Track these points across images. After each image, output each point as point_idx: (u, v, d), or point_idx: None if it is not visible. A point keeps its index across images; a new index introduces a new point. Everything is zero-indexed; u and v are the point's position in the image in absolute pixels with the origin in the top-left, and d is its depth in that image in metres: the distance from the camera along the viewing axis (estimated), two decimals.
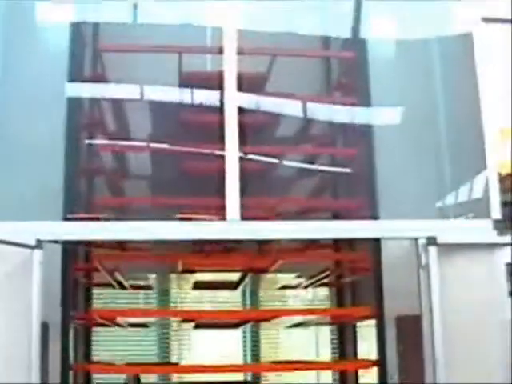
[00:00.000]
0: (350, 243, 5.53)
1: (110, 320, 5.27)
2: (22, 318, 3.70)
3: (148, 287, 8.07)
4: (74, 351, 5.05)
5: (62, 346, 4.20)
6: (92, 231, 3.86)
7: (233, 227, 3.81)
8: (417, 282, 3.96)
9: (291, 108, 5.10)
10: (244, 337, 10.37)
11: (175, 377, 9.50)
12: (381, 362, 4.38)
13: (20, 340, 3.69)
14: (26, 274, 3.71)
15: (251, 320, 5.85)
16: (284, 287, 6.98)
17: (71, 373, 4.47)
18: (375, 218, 4.28)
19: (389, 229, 4.01)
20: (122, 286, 5.84)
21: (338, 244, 5.67)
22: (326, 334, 8.72)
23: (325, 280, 6.01)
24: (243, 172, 3.98)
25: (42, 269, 3.73)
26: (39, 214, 3.95)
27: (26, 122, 4.43)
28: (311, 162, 5.34)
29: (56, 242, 3.90)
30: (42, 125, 4.41)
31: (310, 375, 10.33)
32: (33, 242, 3.71)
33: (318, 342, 10.53)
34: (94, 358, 6.01)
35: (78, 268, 5.00)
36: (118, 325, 5.68)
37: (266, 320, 5.52)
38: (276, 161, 5.12)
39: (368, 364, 4.66)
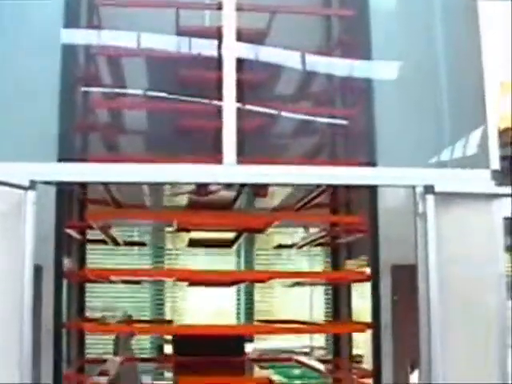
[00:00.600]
0: (347, 204, 5.52)
1: (103, 277, 5.26)
2: (14, 259, 3.67)
3: (142, 244, 8.11)
4: (68, 304, 5.05)
5: (54, 290, 4.19)
6: (86, 173, 3.82)
7: (229, 171, 3.77)
8: (413, 232, 3.93)
9: (290, 62, 5.06)
10: (238, 294, 10.46)
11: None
12: (375, 313, 4.37)
13: (13, 283, 3.66)
14: (19, 216, 3.68)
15: (246, 281, 5.84)
16: (279, 246, 7.00)
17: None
18: (373, 165, 4.24)
19: (386, 176, 3.97)
20: (116, 243, 5.83)
21: (335, 205, 5.68)
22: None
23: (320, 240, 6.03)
24: (240, 129, 3.94)
25: (35, 210, 3.69)
26: (33, 155, 3.91)
27: (22, 66, 4.36)
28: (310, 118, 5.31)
29: (50, 183, 3.86)
30: (38, 69, 4.35)
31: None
32: (26, 183, 3.67)
33: (312, 296, 10.64)
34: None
35: (72, 225, 4.95)
36: (112, 281, 5.67)
37: (261, 281, 5.51)
38: (274, 113, 5.08)
39: (362, 326, 4.64)
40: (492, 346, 4.02)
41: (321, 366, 5.98)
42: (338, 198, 5.69)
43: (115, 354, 7.21)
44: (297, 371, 8.20)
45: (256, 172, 3.81)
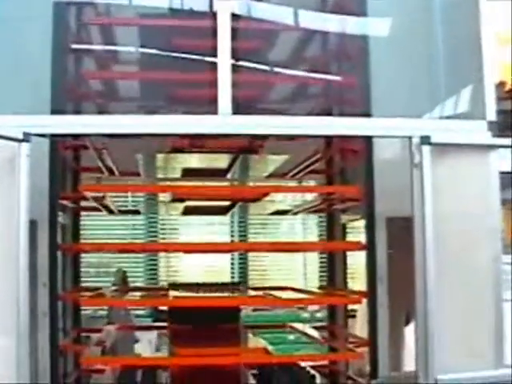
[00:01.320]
0: (342, 172, 5.50)
1: (99, 202, 5.22)
2: (9, 214, 3.65)
3: (136, 212, 8.10)
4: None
5: (49, 245, 4.18)
6: (80, 125, 3.78)
7: (224, 121, 3.74)
8: (409, 185, 3.92)
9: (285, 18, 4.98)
10: (231, 226, 10.48)
11: (163, 266, 9.62)
12: (370, 265, 4.38)
13: (7, 238, 3.64)
14: (13, 170, 3.66)
15: (240, 198, 5.78)
16: (275, 213, 6.96)
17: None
18: (368, 116, 4.22)
19: (382, 127, 3.94)
20: (110, 211, 5.80)
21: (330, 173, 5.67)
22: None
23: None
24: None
25: (29, 163, 3.66)
26: (27, 108, 3.87)
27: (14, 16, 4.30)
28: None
29: (43, 135, 3.83)
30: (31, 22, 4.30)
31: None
32: (20, 136, 3.63)
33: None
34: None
35: (65, 197, 4.92)
36: (108, 210, 5.63)
37: (257, 199, 5.46)
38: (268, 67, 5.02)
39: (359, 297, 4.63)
40: (487, 298, 4.03)
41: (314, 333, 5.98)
42: (334, 164, 5.66)
43: (109, 321, 7.25)
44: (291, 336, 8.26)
45: (251, 122, 3.78)
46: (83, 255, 6.00)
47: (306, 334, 5.94)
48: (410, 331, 4.94)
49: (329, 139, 5.11)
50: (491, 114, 4.02)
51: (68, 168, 5.21)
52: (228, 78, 3.77)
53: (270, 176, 6.89)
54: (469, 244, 4.03)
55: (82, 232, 5.83)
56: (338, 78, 5.07)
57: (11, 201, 3.62)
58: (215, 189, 5.00)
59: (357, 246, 4.62)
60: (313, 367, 5.44)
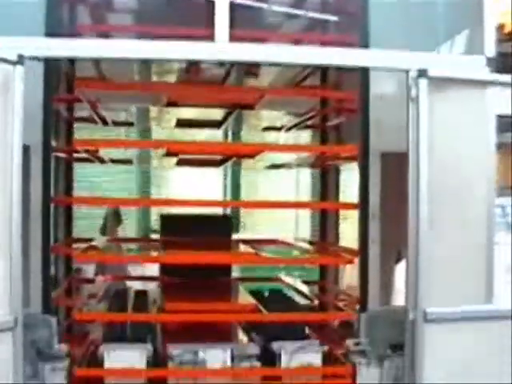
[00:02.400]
0: (338, 84, 5.43)
1: (92, 153, 5.19)
2: (2, 136, 3.62)
3: (130, 124, 8.05)
4: (55, 184, 5.01)
5: (42, 169, 4.16)
6: (75, 48, 3.73)
7: (221, 48, 3.69)
8: (405, 120, 3.90)
9: None
10: (225, 179, 10.47)
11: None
12: (363, 201, 4.38)
13: (1, 161, 3.62)
14: (7, 93, 3.62)
15: (234, 154, 5.75)
16: (268, 128, 6.89)
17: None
18: (366, 47, 4.17)
19: (379, 58, 3.90)
20: (104, 122, 5.74)
21: (325, 84, 5.60)
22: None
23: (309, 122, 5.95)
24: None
25: (23, 86, 3.62)
26: (21, 30, 3.81)
27: None
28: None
29: (38, 58, 3.78)
30: None
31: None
32: (14, 58, 3.58)
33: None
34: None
35: (60, 99, 4.86)
36: (101, 160, 5.61)
37: (250, 156, 5.43)
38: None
39: (350, 205, 4.62)
40: (478, 236, 4.06)
41: (305, 289, 5.98)
42: (329, 79, 5.61)
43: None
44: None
45: (248, 50, 3.74)
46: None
47: (296, 246, 5.93)
48: (400, 269, 4.98)
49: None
50: (490, 50, 3.99)
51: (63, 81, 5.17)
52: (226, 5, 3.72)
53: (266, 129, 6.90)
54: (464, 180, 4.03)
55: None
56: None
57: (5, 123, 3.59)
58: (209, 146, 4.95)
59: (351, 151, 4.61)
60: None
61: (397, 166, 4.17)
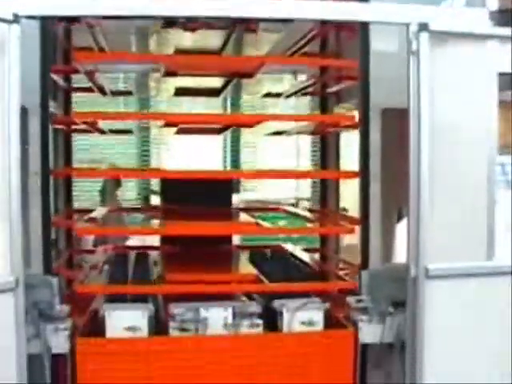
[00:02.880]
0: (337, 52, 5.39)
1: (91, 124, 5.17)
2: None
3: (128, 93, 8.00)
4: (54, 154, 4.99)
5: (41, 133, 4.13)
6: (71, 6, 3.67)
7: (220, 4, 3.63)
8: (405, 76, 3.86)
9: None
10: (224, 146, 10.46)
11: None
12: (364, 159, 4.35)
13: None
14: (3, 54, 3.57)
15: (234, 124, 5.73)
16: (267, 95, 6.85)
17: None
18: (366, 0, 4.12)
19: (380, 12, 3.85)
20: (102, 91, 5.71)
21: (324, 51, 5.55)
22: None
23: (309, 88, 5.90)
24: None
25: (20, 47, 3.57)
26: None
27: None
28: None
29: (34, 17, 3.73)
30: None
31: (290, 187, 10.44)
32: (10, 17, 3.54)
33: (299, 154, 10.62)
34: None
35: (57, 70, 4.81)
36: (99, 131, 5.58)
37: (250, 126, 5.41)
38: None
39: (351, 174, 4.59)
40: (480, 194, 4.04)
41: (308, 214, 5.98)
42: (328, 46, 5.55)
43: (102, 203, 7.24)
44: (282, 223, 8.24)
45: (248, 5, 3.69)
46: (76, 148, 5.94)
47: (298, 215, 5.92)
48: (401, 227, 4.97)
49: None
50: (492, 4, 3.94)
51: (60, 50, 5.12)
52: None
53: (266, 96, 6.82)
54: (465, 137, 4.00)
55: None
56: None
57: (2, 86, 3.56)
58: (208, 117, 4.91)
59: (350, 121, 4.57)
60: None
61: (398, 122, 4.15)
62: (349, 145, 5.73)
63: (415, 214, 3.85)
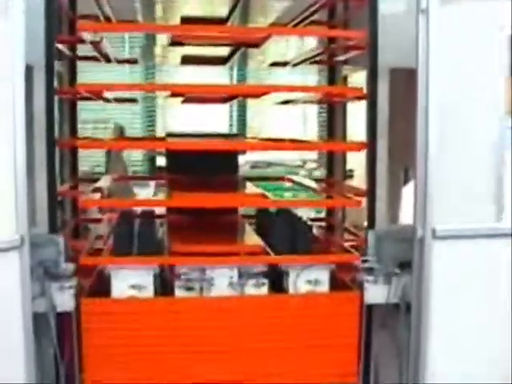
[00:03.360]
0: (346, 20, 5.34)
1: (96, 94, 5.12)
2: (3, 57, 3.54)
3: (134, 61, 7.96)
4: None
5: (46, 92, 4.10)
6: None
7: None
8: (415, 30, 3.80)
9: None
10: (231, 115, 10.44)
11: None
12: (371, 119, 4.31)
13: (2, 83, 3.56)
14: (8, 12, 3.53)
15: (241, 95, 5.69)
16: (274, 64, 6.83)
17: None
18: None
19: None
20: (108, 59, 5.67)
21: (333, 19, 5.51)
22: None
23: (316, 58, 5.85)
24: None
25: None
26: None
27: None
28: None
29: None
30: None
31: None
32: None
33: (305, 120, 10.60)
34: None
35: (62, 40, 4.77)
36: (104, 99, 5.54)
37: (256, 96, 5.37)
38: None
39: (359, 145, 4.56)
40: (489, 153, 4.00)
41: (313, 184, 5.97)
42: (336, 14, 5.48)
43: (107, 171, 7.22)
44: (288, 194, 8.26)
45: None
46: (80, 109, 5.90)
47: (304, 186, 5.90)
48: (407, 190, 4.96)
49: None
50: None
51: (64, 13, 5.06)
52: None
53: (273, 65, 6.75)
54: (473, 100, 3.96)
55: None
56: None
57: (6, 43, 3.52)
58: (214, 88, 4.84)
59: (358, 93, 4.53)
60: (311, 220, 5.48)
61: (406, 82, 4.11)
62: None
63: (423, 174, 3.83)
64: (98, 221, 5.82)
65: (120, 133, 8.69)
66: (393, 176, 4.52)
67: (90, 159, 8.83)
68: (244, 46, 5.51)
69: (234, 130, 10.83)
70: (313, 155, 9.65)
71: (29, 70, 3.84)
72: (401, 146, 4.38)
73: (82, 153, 5.95)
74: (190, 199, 4.32)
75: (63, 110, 5.49)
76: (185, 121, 9.72)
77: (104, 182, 5.56)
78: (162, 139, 5.45)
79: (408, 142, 3.99)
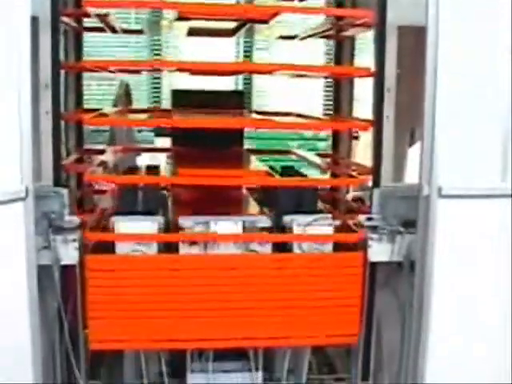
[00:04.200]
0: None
1: (103, 19, 5.06)
2: (9, 9, 3.50)
3: (139, 31, 7.93)
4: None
5: (51, 44, 4.07)
6: None
7: None
8: None
9: None
10: (237, 54, 10.38)
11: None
12: (379, 75, 4.29)
13: (7, 35, 3.51)
14: None
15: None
16: (281, 37, 6.80)
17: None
18: None
19: None
20: (114, 30, 5.64)
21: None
22: None
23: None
24: None
25: None
26: None
27: None
28: None
29: None
30: None
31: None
32: None
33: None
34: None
35: (68, 14, 4.72)
36: (112, 29, 5.49)
37: (265, 21, 5.30)
38: None
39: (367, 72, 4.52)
40: (496, 113, 3.96)
41: (318, 160, 5.93)
42: None
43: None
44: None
45: None
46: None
47: (309, 160, 5.89)
48: (413, 151, 4.94)
49: None
50: None
51: None
52: None
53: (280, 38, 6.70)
54: (482, 58, 3.92)
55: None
56: None
57: None
58: (221, 8, 4.80)
59: (366, 73, 4.49)
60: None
61: (414, 40, 4.08)
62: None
63: (430, 131, 3.81)
64: (102, 152, 5.80)
65: (126, 91, 8.66)
66: (399, 136, 4.49)
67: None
68: (252, 22, 5.49)
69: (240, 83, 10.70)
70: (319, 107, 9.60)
71: (34, 21, 3.80)
72: (408, 107, 4.35)
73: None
74: (194, 120, 4.35)
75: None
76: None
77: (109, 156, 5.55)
78: (168, 111, 5.42)
79: (415, 102, 3.97)
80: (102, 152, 5.63)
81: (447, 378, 3.98)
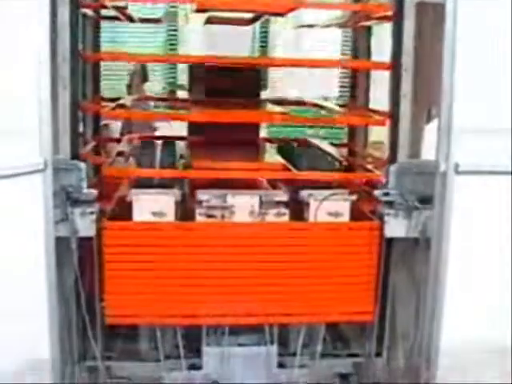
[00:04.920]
0: None
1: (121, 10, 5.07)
2: None
3: (157, 20, 7.92)
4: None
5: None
6: None
7: None
8: None
9: None
10: (253, 41, 10.35)
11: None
12: (396, 53, 4.28)
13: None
14: None
15: (266, 11, 5.62)
16: (301, 26, 6.77)
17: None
18: None
19: None
20: (131, 20, 5.65)
21: None
22: None
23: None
24: None
25: None
26: None
27: None
28: None
29: None
30: None
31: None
32: None
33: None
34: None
35: (86, 5, 4.73)
36: (129, 18, 5.50)
37: (282, 14, 5.30)
38: None
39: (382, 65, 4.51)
40: None
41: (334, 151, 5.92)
42: None
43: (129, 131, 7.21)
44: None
45: None
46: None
47: (324, 151, 5.89)
48: (430, 129, 4.92)
49: None
50: None
51: None
52: None
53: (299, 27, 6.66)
54: (501, 36, 3.88)
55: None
56: None
57: None
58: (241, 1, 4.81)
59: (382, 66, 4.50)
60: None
61: (434, 16, 4.06)
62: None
63: (447, 108, 3.79)
64: (119, 140, 5.79)
65: (142, 72, 8.68)
66: (416, 113, 4.48)
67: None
68: (269, 14, 5.50)
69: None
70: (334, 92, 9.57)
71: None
72: (425, 84, 4.34)
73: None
74: (210, 114, 4.37)
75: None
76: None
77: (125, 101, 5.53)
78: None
79: (433, 79, 3.95)
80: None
81: (461, 354, 4.00)
